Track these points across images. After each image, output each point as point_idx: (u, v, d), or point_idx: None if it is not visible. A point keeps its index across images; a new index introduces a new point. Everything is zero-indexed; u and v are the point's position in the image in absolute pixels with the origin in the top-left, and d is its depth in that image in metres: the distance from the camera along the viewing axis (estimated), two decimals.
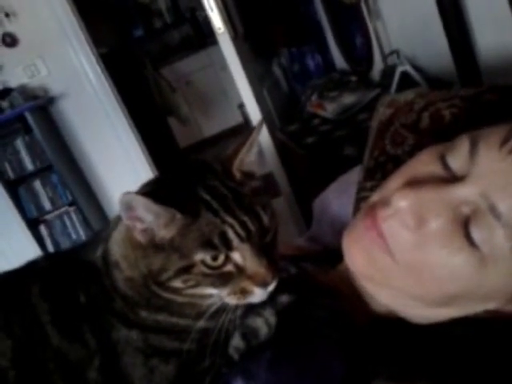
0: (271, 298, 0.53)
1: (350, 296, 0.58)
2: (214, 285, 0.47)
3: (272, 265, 0.48)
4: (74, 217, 2.87)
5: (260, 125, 0.52)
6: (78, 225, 2.88)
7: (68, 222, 2.89)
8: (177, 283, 0.47)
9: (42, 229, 2.88)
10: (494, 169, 0.45)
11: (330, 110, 1.96)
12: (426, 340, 0.51)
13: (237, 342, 0.51)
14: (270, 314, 0.52)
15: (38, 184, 2.81)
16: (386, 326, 0.54)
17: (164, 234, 0.46)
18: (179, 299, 0.49)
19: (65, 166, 2.81)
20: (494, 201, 0.44)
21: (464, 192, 0.46)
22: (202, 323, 0.50)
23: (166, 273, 0.47)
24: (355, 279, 0.58)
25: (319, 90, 2.19)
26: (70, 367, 0.49)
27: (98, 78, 2.80)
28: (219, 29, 2.11)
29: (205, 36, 4.58)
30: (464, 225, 0.45)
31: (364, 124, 1.76)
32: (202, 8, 2.41)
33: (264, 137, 2.27)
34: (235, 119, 4.36)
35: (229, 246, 0.46)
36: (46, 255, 0.62)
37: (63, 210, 2.87)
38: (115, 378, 0.49)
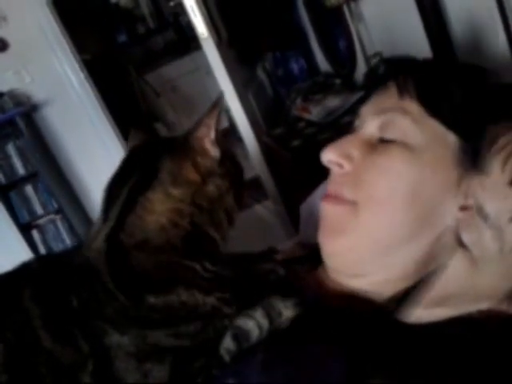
0: (262, 300, 0.53)
1: (336, 294, 0.59)
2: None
3: None
4: (60, 224, 2.84)
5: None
6: (63, 233, 2.85)
7: (54, 229, 2.85)
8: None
9: (35, 233, 2.84)
10: (369, 105, 0.60)
11: (314, 112, 1.97)
12: (420, 340, 0.51)
13: (228, 343, 0.51)
14: (261, 317, 0.52)
15: (29, 188, 2.78)
16: (377, 325, 0.54)
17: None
18: (235, 215, 0.58)
19: (50, 174, 2.79)
20: (380, 108, 0.57)
21: (365, 128, 0.59)
22: (210, 299, 0.51)
23: (237, 178, 0.59)
24: (333, 270, 0.61)
25: (304, 93, 2.20)
26: (62, 371, 0.48)
27: (81, 85, 2.78)
28: (203, 34, 2.11)
29: (189, 41, 4.57)
30: (378, 141, 0.57)
31: (349, 126, 1.77)
32: (185, 13, 2.41)
33: (250, 141, 2.27)
34: (221, 123, 4.36)
35: None
36: (39, 258, 0.62)
37: (49, 217, 2.83)
38: (108, 383, 0.49)
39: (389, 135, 0.56)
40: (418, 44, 1.40)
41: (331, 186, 0.60)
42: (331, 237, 0.58)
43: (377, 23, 1.77)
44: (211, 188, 0.56)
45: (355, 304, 0.57)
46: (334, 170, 0.59)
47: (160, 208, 0.54)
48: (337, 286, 0.60)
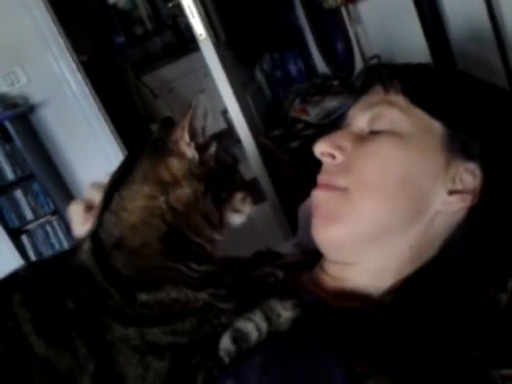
0: (261, 303, 0.53)
1: (333, 292, 0.59)
2: (241, 188, 0.58)
3: None
4: (57, 226, 2.84)
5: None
6: (60, 234, 2.84)
7: (50, 231, 2.84)
8: (225, 194, 0.57)
9: (24, 238, 2.83)
10: (356, 105, 0.63)
11: (313, 114, 1.97)
12: (419, 338, 0.51)
13: (227, 345, 0.51)
14: (260, 319, 0.52)
15: (19, 193, 2.77)
16: (376, 324, 0.54)
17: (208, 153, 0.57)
18: (215, 218, 0.56)
19: (46, 175, 2.78)
20: (368, 104, 0.61)
21: (355, 123, 0.62)
22: (201, 295, 0.51)
23: (223, 179, 0.57)
24: (328, 258, 0.62)
25: (302, 94, 2.20)
26: (58, 379, 0.48)
27: (78, 86, 2.77)
28: (201, 35, 2.11)
29: (187, 42, 4.57)
30: (369, 133, 0.60)
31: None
32: (183, 14, 2.41)
33: (248, 142, 2.27)
34: (219, 125, 4.36)
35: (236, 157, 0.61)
36: (28, 264, 0.61)
37: (45, 219, 2.83)
38: (110, 382, 0.48)
39: (378, 127, 0.59)
40: (416, 46, 1.41)
41: (323, 175, 0.62)
42: (326, 224, 0.59)
43: (375, 25, 1.77)
44: (187, 191, 0.54)
45: (353, 301, 0.57)
46: (327, 160, 0.61)
47: (131, 205, 0.54)
48: (334, 283, 0.60)
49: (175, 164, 0.55)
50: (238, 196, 0.58)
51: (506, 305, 0.52)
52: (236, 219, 0.59)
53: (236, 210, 0.58)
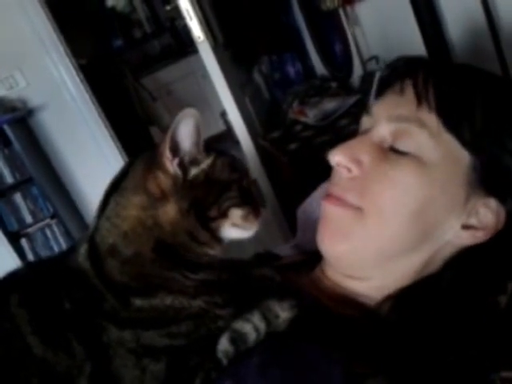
0: (259, 304, 0.53)
1: (331, 294, 0.59)
2: (240, 204, 0.55)
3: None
4: (56, 229, 2.83)
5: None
6: (59, 237, 2.84)
7: (50, 235, 2.84)
8: (214, 211, 0.53)
9: (24, 242, 2.83)
10: (382, 104, 0.58)
11: (311, 116, 1.97)
12: (414, 341, 0.51)
13: (225, 346, 0.51)
14: (258, 320, 0.52)
15: (18, 197, 2.77)
16: (372, 327, 0.54)
17: (196, 169, 0.54)
18: (203, 236, 0.54)
19: (45, 178, 2.77)
20: (396, 114, 0.55)
21: (377, 130, 0.56)
22: (196, 302, 0.51)
23: (209, 198, 0.53)
24: (333, 268, 0.60)
25: (300, 96, 2.20)
26: (56, 380, 0.48)
27: (77, 89, 2.77)
28: (199, 37, 2.11)
29: (185, 45, 4.57)
30: (391, 149, 0.55)
31: (345, 129, 1.77)
32: (181, 17, 2.41)
33: (246, 144, 2.27)
34: (218, 127, 4.36)
35: (245, 172, 0.58)
36: (27, 264, 0.61)
37: (45, 222, 2.82)
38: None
39: (403, 147, 0.54)
40: (414, 47, 1.41)
41: (335, 187, 0.58)
42: (333, 239, 0.58)
43: (373, 27, 1.78)
44: (173, 207, 0.52)
45: (351, 304, 0.57)
46: (342, 173, 0.57)
47: (124, 213, 0.53)
48: (333, 287, 0.60)
49: (162, 178, 0.53)
50: (236, 213, 0.54)
51: (505, 307, 0.52)
52: (238, 234, 0.56)
53: (237, 225, 0.55)
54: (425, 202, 0.53)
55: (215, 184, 0.54)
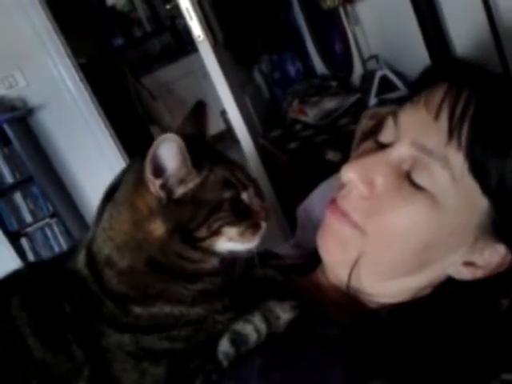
0: (260, 305, 0.53)
1: (330, 296, 0.59)
2: (234, 223, 0.51)
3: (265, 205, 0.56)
4: (56, 228, 2.84)
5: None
6: (59, 236, 2.84)
7: (50, 234, 2.84)
8: (202, 232, 0.51)
9: (24, 241, 2.83)
10: (413, 121, 0.53)
11: (311, 115, 1.97)
12: (415, 342, 0.51)
13: (226, 347, 0.51)
14: (259, 321, 0.52)
15: (18, 196, 2.77)
16: (373, 328, 0.54)
17: (183, 188, 0.51)
18: (194, 255, 0.51)
19: (45, 178, 2.78)
20: (422, 143, 0.50)
21: (398, 150, 0.52)
22: (195, 310, 0.50)
23: (196, 219, 0.50)
24: (331, 272, 0.60)
25: (300, 95, 2.20)
26: (55, 382, 0.48)
27: (77, 88, 2.77)
28: (199, 36, 2.11)
29: (185, 44, 4.57)
30: (407, 176, 0.51)
31: (345, 129, 1.77)
32: (181, 16, 2.41)
33: (246, 143, 2.27)
34: (218, 126, 4.36)
35: (244, 185, 0.53)
36: (28, 265, 0.61)
37: (45, 222, 2.83)
38: None
39: (420, 180, 0.50)
40: (414, 46, 1.41)
41: (342, 200, 0.55)
42: (332, 248, 0.57)
43: (373, 26, 1.77)
44: (160, 227, 0.50)
45: (348, 307, 0.57)
46: (352, 191, 0.54)
47: (117, 226, 0.51)
48: (333, 287, 0.60)
49: (148, 197, 0.50)
50: (230, 230, 0.52)
51: (506, 310, 0.52)
52: (236, 247, 0.53)
53: (234, 240, 0.52)
54: (431, 239, 0.51)
55: (203, 204, 0.51)
